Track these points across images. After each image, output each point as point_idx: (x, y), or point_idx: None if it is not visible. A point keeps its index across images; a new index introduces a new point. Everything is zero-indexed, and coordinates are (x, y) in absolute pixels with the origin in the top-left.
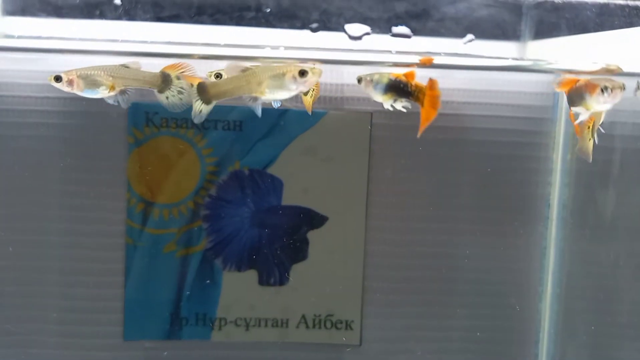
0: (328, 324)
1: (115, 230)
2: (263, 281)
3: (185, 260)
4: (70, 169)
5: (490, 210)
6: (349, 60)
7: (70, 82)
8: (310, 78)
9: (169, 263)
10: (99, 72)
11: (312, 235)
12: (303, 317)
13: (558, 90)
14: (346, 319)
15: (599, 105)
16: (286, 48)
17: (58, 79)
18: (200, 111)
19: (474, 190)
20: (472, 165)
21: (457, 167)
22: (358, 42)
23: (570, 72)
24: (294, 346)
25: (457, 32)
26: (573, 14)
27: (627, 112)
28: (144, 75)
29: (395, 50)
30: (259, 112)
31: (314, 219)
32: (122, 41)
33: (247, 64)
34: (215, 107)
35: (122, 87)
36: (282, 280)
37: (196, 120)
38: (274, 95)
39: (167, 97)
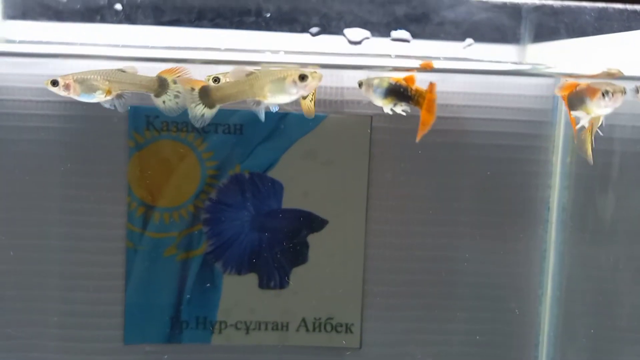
0: (328, 327)
1: (115, 234)
2: (263, 284)
3: (186, 263)
4: (70, 172)
5: (490, 213)
6: (349, 64)
7: (66, 87)
8: (311, 82)
9: (169, 267)
10: (96, 77)
11: (312, 239)
12: (303, 320)
13: (559, 94)
14: (346, 322)
15: (599, 110)
16: (286, 52)
17: (54, 83)
18: (203, 115)
19: (473, 193)
20: (471, 169)
21: (457, 171)
22: (358, 46)
23: (569, 75)
24: (294, 349)
25: (457, 35)
26: (572, 18)
27: (626, 115)
28: (140, 80)
29: (395, 55)
30: (262, 116)
31: (314, 223)
32: (123, 46)
33: (251, 68)
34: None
35: (119, 92)
36: (282, 284)
37: (199, 125)
38: (275, 99)
39: (163, 102)
